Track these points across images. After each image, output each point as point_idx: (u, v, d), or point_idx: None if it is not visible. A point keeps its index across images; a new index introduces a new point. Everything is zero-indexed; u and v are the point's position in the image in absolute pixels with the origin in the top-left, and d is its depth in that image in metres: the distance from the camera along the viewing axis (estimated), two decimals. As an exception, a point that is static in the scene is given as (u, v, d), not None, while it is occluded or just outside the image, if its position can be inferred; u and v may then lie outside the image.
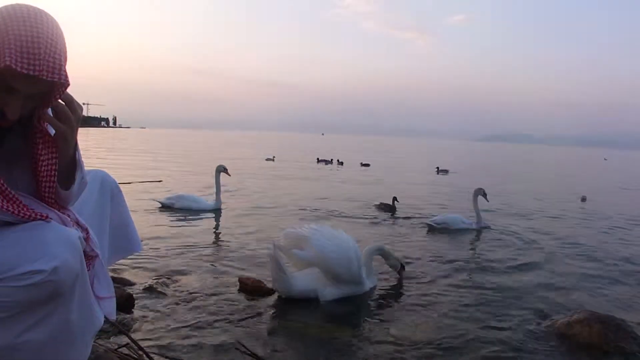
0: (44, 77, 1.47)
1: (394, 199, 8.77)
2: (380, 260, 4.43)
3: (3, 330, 1.47)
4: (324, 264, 3.81)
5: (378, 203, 8.99)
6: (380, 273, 4.48)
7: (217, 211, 7.69)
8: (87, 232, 1.73)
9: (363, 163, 22.61)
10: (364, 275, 4.01)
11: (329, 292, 3.82)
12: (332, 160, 23.73)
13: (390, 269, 4.46)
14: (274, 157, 24.30)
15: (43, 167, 1.64)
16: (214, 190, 8.02)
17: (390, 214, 8.39)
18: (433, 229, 7.00)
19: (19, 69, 1.43)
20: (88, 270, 1.71)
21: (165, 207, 7.68)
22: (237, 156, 26.23)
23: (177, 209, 7.57)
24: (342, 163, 22.81)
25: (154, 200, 8.01)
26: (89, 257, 1.72)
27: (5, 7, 1.48)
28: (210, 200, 7.96)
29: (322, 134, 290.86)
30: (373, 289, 4.15)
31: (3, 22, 1.44)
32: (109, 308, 1.85)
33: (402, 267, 4.41)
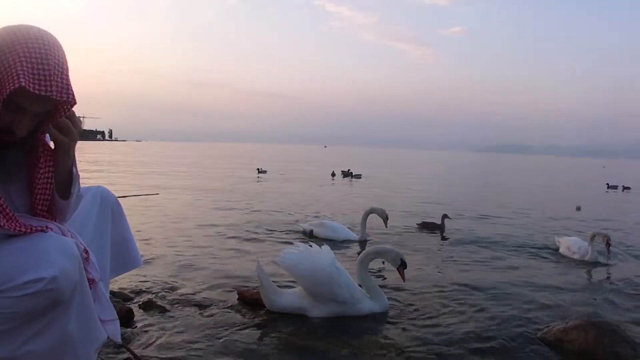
0: (55, 97, 1.52)
1: (444, 216, 8.02)
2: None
3: (4, 342, 1.49)
4: (301, 283, 3.75)
5: (420, 222, 8.21)
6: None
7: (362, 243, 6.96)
8: (87, 254, 1.74)
9: (353, 174, 22.67)
10: (347, 294, 3.74)
11: (318, 310, 3.70)
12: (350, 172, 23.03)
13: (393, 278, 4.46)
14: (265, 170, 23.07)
15: (40, 179, 1.68)
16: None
17: (438, 232, 7.80)
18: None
19: (32, 90, 1.48)
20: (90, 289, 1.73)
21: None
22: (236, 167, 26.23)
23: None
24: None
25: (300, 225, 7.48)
26: (89, 280, 1.73)
27: (11, 28, 1.52)
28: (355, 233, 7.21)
29: (325, 146, 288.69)
30: (381, 314, 3.87)
31: (12, 44, 1.49)
32: (113, 330, 1.87)
33: (403, 263, 4.05)
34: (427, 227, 8.01)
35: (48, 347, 1.58)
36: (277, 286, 3.89)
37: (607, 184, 21.70)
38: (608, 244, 6.11)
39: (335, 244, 6.59)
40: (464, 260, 5.91)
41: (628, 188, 20.36)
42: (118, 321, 1.90)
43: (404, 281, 4.19)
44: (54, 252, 1.52)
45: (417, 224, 8.19)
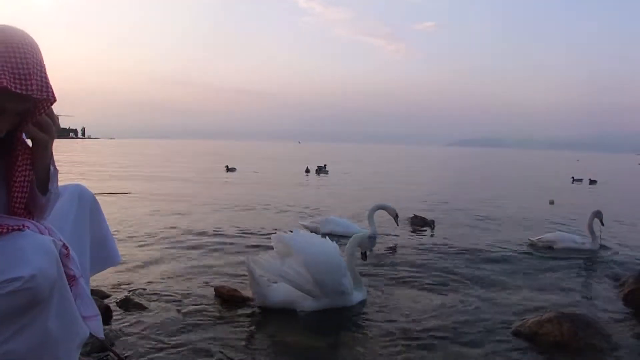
0: (35, 96, 1.52)
1: (432, 221, 7.93)
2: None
3: None
4: (306, 270, 3.66)
5: (412, 215, 8.11)
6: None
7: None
8: (67, 249, 1.73)
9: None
10: (348, 284, 3.82)
11: (308, 304, 3.71)
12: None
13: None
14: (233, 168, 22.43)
15: (18, 178, 1.67)
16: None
17: (429, 228, 7.76)
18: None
19: (13, 89, 1.47)
20: (71, 288, 1.72)
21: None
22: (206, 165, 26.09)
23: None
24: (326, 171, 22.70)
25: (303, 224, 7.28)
26: (70, 277, 1.72)
27: None
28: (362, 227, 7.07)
29: (299, 142, 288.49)
30: (362, 303, 3.96)
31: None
32: (96, 327, 1.86)
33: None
34: (417, 222, 7.93)
35: (28, 345, 1.57)
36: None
37: (573, 177, 21.96)
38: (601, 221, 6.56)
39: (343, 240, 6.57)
40: (443, 253, 5.98)
41: (594, 182, 20.56)
42: (100, 317, 1.89)
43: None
44: (31, 250, 1.51)
45: (409, 218, 8.07)
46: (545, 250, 6.28)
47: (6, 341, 1.52)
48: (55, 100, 1.61)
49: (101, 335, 1.91)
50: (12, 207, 1.68)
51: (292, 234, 3.88)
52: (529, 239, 6.71)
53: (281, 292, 3.77)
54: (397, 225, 7.08)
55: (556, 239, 6.57)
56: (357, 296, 3.93)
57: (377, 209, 6.75)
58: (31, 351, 1.58)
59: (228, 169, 21.79)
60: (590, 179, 20.95)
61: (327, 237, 4.00)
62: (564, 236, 6.62)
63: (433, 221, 7.95)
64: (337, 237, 5.93)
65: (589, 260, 5.90)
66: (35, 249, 1.52)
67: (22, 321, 1.53)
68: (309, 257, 3.69)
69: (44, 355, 1.61)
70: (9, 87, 1.47)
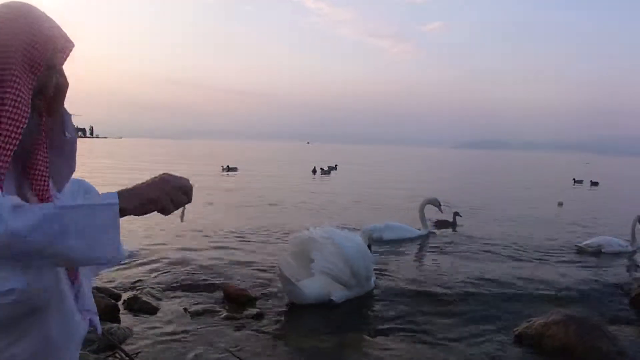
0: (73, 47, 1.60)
1: (455, 214, 8.20)
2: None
3: None
4: (346, 262, 3.98)
5: (435, 220, 8.23)
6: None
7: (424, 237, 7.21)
8: None
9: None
10: (372, 271, 4.31)
11: (341, 294, 3.98)
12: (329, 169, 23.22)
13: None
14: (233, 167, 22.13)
15: (41, 163, 1.68)
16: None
17: (451, 229, 7.93)
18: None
19: (70, 48, 1.55)
20: (73, 284, 1.71)
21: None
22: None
23: None
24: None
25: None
26: (71, 272, 1.71)
27: (7, 5, 1.54)
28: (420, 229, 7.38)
29: (308, 143, 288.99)
30: (372, 289, 4.34)
31: (29, 16, 1.52)
32: (94, 322, 1.86)
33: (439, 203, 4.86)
34: (440, 225, 8.09)
35: (30, 350, 1.56)
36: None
37: (574, 179, 21.92)
38: None
39: (405, 242, 6.81)
40: (462, 253, 6.05)
41: (596, 183, 20.51)
42: (97, 314, 1.90)
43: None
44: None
45: (432, 222, 8.21)
46: (549, 252, 6.28)
47: (9, 346, 1.51)
48: (73, 44, 1.66)
49: (99, 331, 1.91)
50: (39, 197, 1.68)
51: (320, 230, 4.17)
52: (576, 245, 6.65)
53: (315, 286, 3.93)
54: (442, 212, 7.85)
55: (604, 242, 6.56)
56: (374, 280, 4.43)
57: (426, 205, 7.43)
58: (33, 355, 1.57)
59: (225, 169, 21.48)
60: (591, 181, 20.87)
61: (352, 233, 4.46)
62: (611, 241, 6.62)
63: (455, 218, 8.18)
64: (396, 241, 6.63)
65: (624, 261, 5.93)
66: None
67: (23, 327, 1.52)
68: (346, 251, 4.00)
69: (46, 358, 1.61)
70: (71, 46, 1.52)
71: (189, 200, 1.43)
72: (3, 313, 1.43)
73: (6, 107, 1.46)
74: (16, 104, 1.48)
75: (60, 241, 1.40)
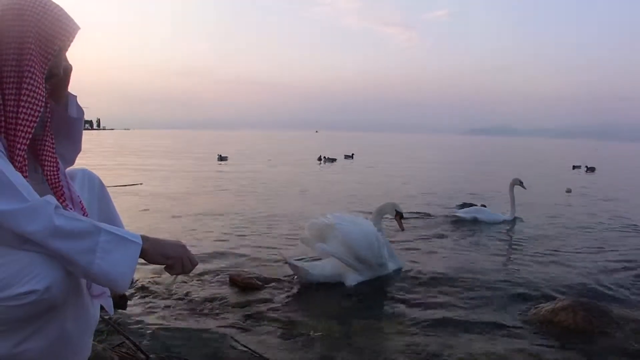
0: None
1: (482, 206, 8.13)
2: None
3: (2, 341, 1.48)
4: (350, 248, 4.03)
5: (461, 203, 8.51)
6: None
7: (512, 222, 7.36)
8: None
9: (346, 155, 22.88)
10: (386, 255, 4.26)
11: (353, 277, 4.08)
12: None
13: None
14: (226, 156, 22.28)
15: (49, 153, 1.71)
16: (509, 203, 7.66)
17: None
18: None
19: (76, 31, 1.68)
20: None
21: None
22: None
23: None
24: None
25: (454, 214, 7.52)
26: None
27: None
28: (505, 214, 7.58)
29: (316, 131, 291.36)
30: (398, 271, 4.45)
31: (40, 5, 1.58)
32: (106, 304, 1.87)
33: (399, 213, 4.67)
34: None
35: (45, 344, 1.57)
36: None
37: (573, 165, 22.42)
38: None
39: (493, 226, 7.03)
40: (469, 242, 6.04)
41: (592, 169, 20.69)
42: (110, 297, 1.91)
43: (402, 230, 4.81)
44: (46, 261, 1.47)
45: (456, 205, 8.54)
46: (557, 238, 6.24)
47: (24, 340, 1.52)
48: (79, 27, 1.71)
49: (111, 312, 1.94)
50: (51, 188, 1.70)
51: (332, 217, 4.23)
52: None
53: (327, 267, 4.08)
54: (525, 188, 8.09)
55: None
56: (394, 264, 4.44)
57: (514, 186, 7.71)
58: (49, 348, 1.58)
59: (220, 158, 21.64)
60: (587, 167, 21.17)
61: (362, 217, 4.49)
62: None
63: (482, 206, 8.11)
64: (488, 224, 7.05)
65: (600, 249, 5.81)
66: (49, 258, 1.47)
67: (40, 322, 1.53)
68: (352, 238, 4.06)
69: (60, 350, 1.62)
70: (78, 29, 1.67)
71: (188, 272, 1.73)
72: (21, 312, 1.44)
73: (24, 92, 1.54)
74: (34, 88, 1.56)
75: (85, 254, 1.48)
